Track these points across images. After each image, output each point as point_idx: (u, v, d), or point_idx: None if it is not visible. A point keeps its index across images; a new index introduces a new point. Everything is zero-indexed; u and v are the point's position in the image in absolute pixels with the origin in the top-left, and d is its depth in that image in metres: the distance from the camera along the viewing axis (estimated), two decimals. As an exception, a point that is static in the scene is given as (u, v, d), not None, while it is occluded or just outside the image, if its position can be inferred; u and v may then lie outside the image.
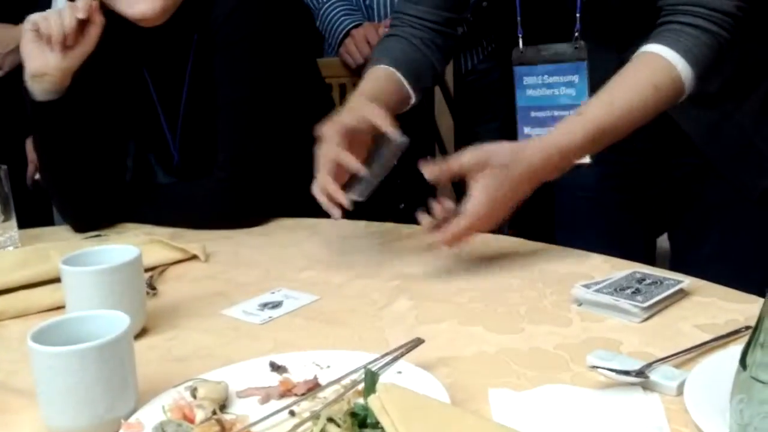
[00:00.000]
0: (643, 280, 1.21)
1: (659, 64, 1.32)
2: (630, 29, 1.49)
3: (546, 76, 1.56)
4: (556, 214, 1.85)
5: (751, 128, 1.54)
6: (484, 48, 2.70)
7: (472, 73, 2.71)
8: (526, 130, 1.60)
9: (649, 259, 1.75)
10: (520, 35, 1.57)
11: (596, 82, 1.49)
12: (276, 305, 1.28)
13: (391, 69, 1.55)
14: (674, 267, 1.45)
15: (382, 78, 1.54)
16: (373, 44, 2.38)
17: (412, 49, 1.59)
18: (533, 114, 1.59)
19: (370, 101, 1.41)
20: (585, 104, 1.35)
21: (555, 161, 1.31)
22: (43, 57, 1.56)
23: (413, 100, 1.59)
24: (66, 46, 1.55)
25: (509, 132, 1.66)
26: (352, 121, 1.36)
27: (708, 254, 1.61)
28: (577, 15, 1.50)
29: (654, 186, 1.68)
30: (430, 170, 1.29)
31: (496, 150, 1.29)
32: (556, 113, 1.55)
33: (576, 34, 1.50)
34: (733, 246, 1.60)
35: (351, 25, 2.52)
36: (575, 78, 1.52)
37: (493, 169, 1.27)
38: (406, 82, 1.55)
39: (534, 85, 1.57)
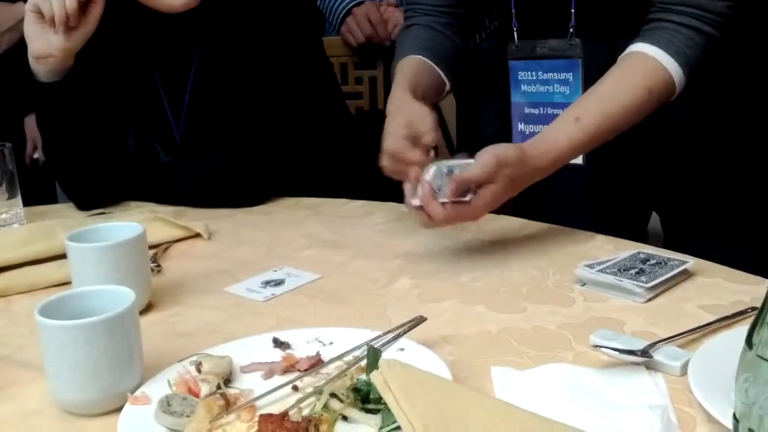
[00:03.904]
0: (647, 260, 1.21)
1: (652, 67, 1.33)
2: (624, 23, 1.48)
3: (541, 72, 1.55)
4: (547, 194, 1.84)
5: (745, 113, 1.54)
6: (486, 26, 2.68)
7: (474, 51, 2.70)
8: (520, 126, 1.58)
9: (641, 240, 1.75)
10: (515, 28, 1.57)
11: (589, 74, 1.48)
12: (278, 283, 1.29)
13: (423, 58, 1.52)
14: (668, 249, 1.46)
15: (420, 69, 1.51)
16: (375, 22, 2.37)
17: (437, 36, 1.57)
18: (527, 110, 1.57)
19: (417, 99, 1.39)
20: (582, 107, 1.35)
21: (553, 167, 1.34)
22: (46, 38, 1.56)
23: (448, 87, 1.57)
24: (68, 26, 1.54)
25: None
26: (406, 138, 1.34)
27: (703, 237, 1.60)
28: (572, 11, 1.49)
29: (645, 168, 1.68)
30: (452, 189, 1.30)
31: (506, 157, 1.29)
32: (550, 111, 1.53)
33: (571, 30, 1.50)
34: (728, 230, 1.59)
35: (352, 4, 2.50)
36: (569, 76, 1.51)
37: (503, 178, 1.27)
38: (439, 70, 1.53)
39: (529, 80, 1.56)
